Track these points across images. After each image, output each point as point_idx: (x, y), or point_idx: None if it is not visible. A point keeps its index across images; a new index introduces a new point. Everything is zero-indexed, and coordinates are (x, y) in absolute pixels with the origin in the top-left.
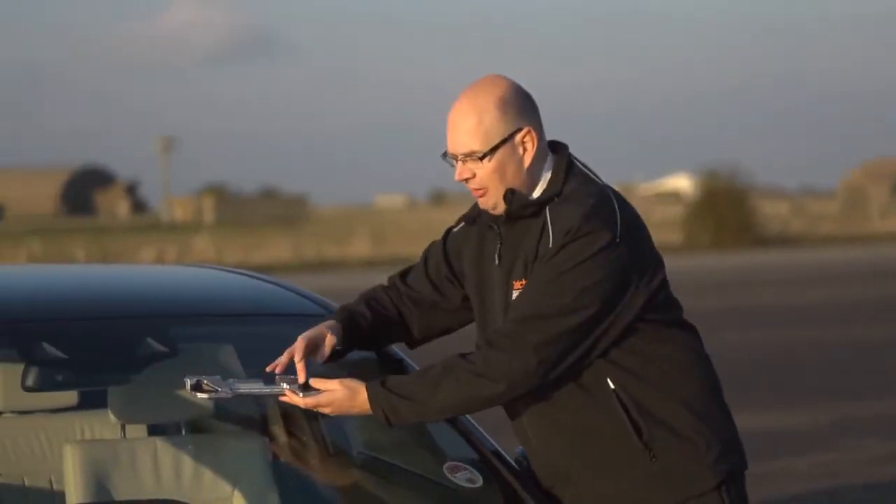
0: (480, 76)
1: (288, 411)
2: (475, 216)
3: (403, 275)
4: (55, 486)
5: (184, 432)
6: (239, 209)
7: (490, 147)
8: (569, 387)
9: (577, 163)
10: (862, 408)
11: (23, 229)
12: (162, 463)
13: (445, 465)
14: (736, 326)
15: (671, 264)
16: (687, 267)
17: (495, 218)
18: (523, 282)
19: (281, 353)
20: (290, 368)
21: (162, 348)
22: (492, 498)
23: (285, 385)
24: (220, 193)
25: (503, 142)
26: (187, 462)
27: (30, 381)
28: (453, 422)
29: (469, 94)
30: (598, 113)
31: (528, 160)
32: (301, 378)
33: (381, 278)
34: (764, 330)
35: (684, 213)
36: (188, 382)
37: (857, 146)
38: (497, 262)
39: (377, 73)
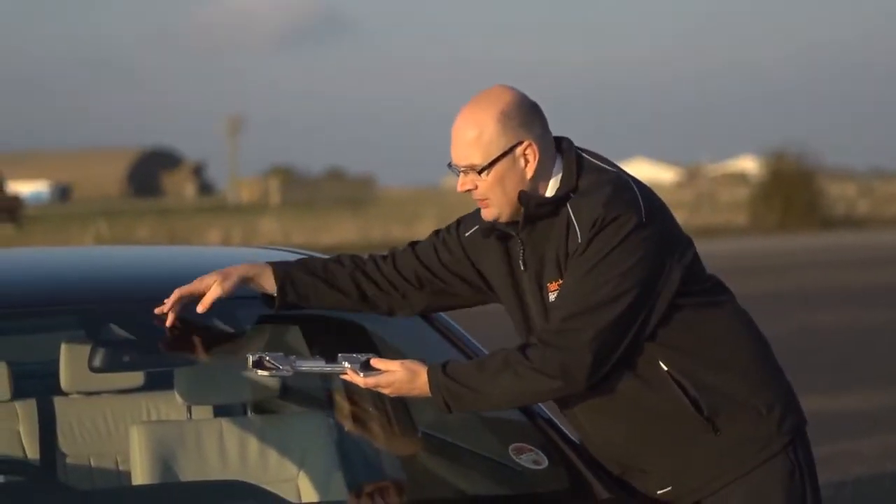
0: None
1: (353, 391)
2: (490, 227)
3: (395, 254)
4: (121, 467)
5: (249, 413)
6: (306, 190)
7: (489, 161)
8: (622, 375)
9: (586, 156)
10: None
11: (90, 211)
12: (227, 444)
13: (511, 447)
14: (803, 308)
15: (737, 246)
16: (753, 248)
17: (512, 225)
18: (559, 282)
19: (349, 340)
20: (352, 348)
21: (228, 329)
22: (557, 479)
23: (347, 364)
24: (286, 174)
25: (503, 155)
26: (253, 443)
27: (97, 362)
28: None
29: (471, 108)
30: (664, 93)
31: (529, 172)
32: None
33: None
34: (830, 311)
35: (750, 194)
36: (249, 359)
37: None
38: (523, 267)
39: (444, 54)
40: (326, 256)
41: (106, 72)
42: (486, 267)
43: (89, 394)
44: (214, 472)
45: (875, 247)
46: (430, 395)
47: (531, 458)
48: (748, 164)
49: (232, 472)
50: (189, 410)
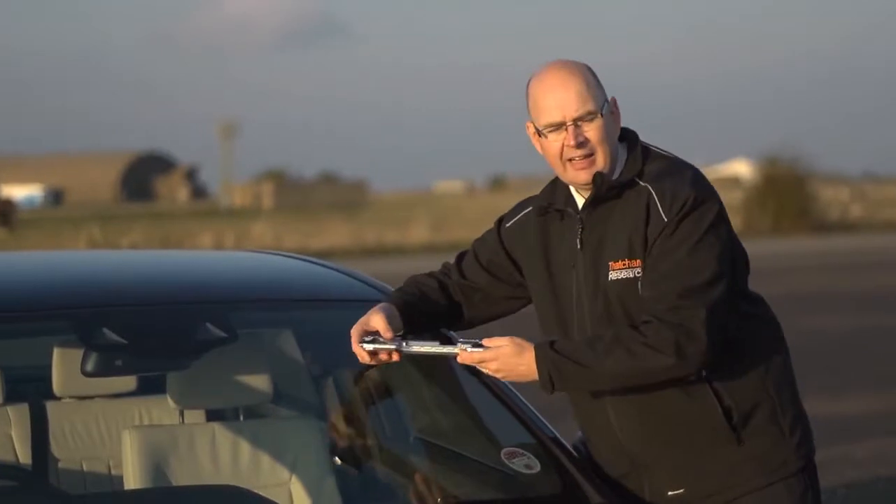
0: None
1: (345, 397)
2: (546, 205)
3: (458, 263)
4: (113, 471)
5: (242, 418)
6: (298, 195)
7: (601, 106)
8: None
9: (649, 145)
10: None
11: (83, 215)
12: (220, 448)
13: (503, 451)
14: (796, 311)
15: None
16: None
17: (569, 202)
18: (627, 261)
19: (340, 339)
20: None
21: (221, 334)
22: (549, 484)
23: (459, 344)
24: (279, 179)
25: (604, 103)
26: (245, 447)
27: (89, 367)
28: (511, 407)
29: (562, 64)
30: (657, 96)
31: (618, 129)
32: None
33: (441, 264)
34: (823, 315)
35: (744, 198)
36: (364, 338)
37: None
38: (580, 246)
39: (437, 60)
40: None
41: (101, 75)
42: (524, 252)
43: (82, 398)
44: (207, 476)
45: (868, 251)
46: (534, 373)
47: (523, 463)
48: (742, 168)
49: (224, 477)
50: (181, 415)
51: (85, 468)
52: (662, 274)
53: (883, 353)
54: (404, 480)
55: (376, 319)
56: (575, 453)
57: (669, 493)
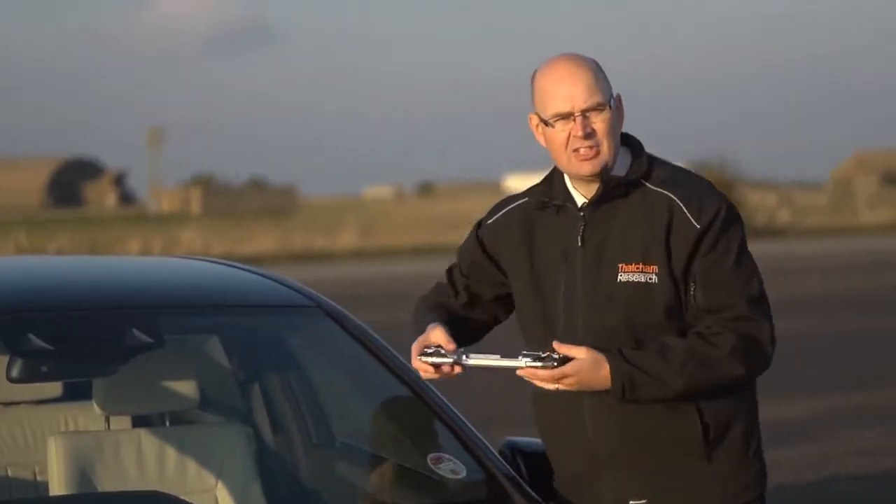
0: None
1: (271, 402)
2: (545, 200)
3: (450, 281)
4: (39, 478)
5: (168, 424)
6: (227, 200)
7: (608, 99)
8: None
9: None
10: (856, 398)
11: (9, 220)
12: (146, 454)
13: (429, 457)
14: None
15: None
16: None
17: (567, 198)
18: (641, 265)
19: (267, 344)
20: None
21: (147, 339)
22: (475, 489)
23: (525, 359)
24: (207, 184)
25: (611, 97)
26: (171, 453)
27: (15, 373)
28: (437, 412)
29: (572, 56)
30: None
31: (622, 125)
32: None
33: (369, 270)
34: None
35: None
36: (424, 350)
37: (848, 137)
38: (580, 243)
39: (367, 65)
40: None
41: (26, 78)
42: (507, 248)
43: (7, 404)
44: (133, 482)
45: (795, 256)
46: (607, 384)
47: (449, 468)
48: None
49: (150, 483)
50: (107, 421)
51: (10, 474)
52: (716, 284)
53: (813, 357)
54: (331, 485)
55: (437, 334)
56: (501, 459)
57: (632, 501)
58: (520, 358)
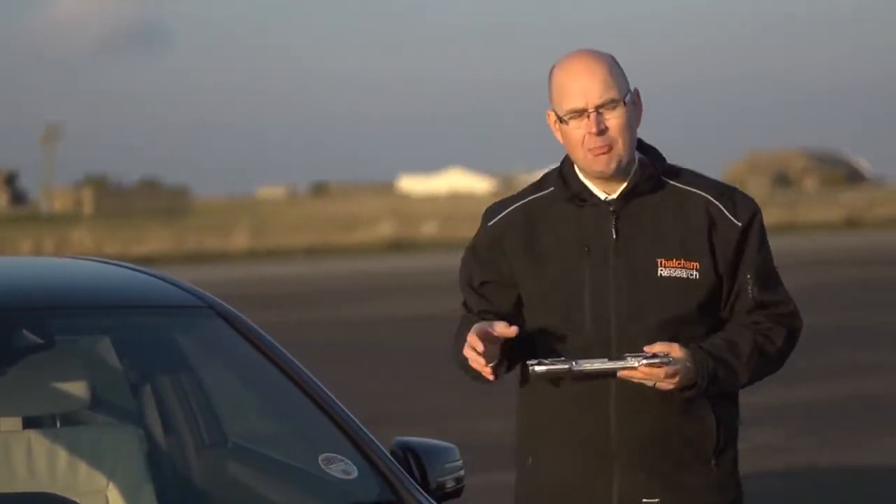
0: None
1: (163, 403)
2: (577, 192)
3: (470, 311)
4: None
5: (59, 425)
6: (119, 201)
7: (624, 95)
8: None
9: None
10: (764, 396)
11: None
12: (36, 456)
13: (321, 457)
14: None
15: None
16: None
17: (586, 192)
18: (683, 261)
19: (159, 345)
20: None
21: (38, 340)
22: (367, 489)
23: (631, 358)
24: (100, 185)
25: (627, 93)
26: (62, 454)
27: None
28: (329, 413)
29: (587, 52)
30: (479, 104)
31: (639, 120)
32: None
33: (262, 270)
34: None
35: None
36: (529, 363)
37: (740, 138)
38: (615, 236)
39: (260, 65)
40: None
41: None
42: (518, 245)
43: None
44: (22, 484)
45: None
46: (692, 378)
47: (341, 469)
48: None
49: (41, 485)
50: None
51: None
52: (767, 281)
53: None
54: (222, 486)
55: (497, 325)
56: (393, 458)
57: (645, 500)
58: (629, 359)
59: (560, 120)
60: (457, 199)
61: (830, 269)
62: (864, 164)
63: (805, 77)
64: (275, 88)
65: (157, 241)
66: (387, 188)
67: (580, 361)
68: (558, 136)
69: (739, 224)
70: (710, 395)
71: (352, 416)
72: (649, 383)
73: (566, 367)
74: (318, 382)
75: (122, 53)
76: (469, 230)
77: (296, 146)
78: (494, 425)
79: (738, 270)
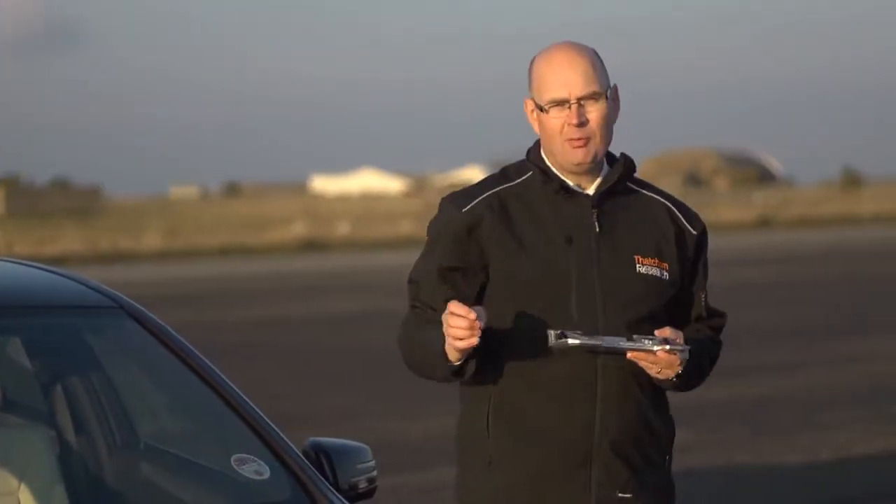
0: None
1: (74, 404)
2: (561, 183)
3: (423, 301)
4: None
5: None
6: (31, 201)
7: (605, 89)
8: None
9: None
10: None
11: None
12: None
13: (233, 458)
14: None
15: None
16: None
17: (563, 187)
18: (657, 261)
19: (70, 346)
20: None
21: None
22: (279, 489)
23: (650, 343)
24: (11, 185)
25: (608, 88)
26: None
27: None
28: (241, 413)
29: (571, 44)
30: (392, 104)
31: (617, 117)
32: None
33: (175, 270)
34: None
35: None
36: (551, 335)
37: (649, 137)
38: (598, 229)
39: (173, 64)
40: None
41: None
42: (496, 234)
43: None
44: None
45: None
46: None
47: (253, 469)
48: (475, 174)
49: None
50: None
51: None
52: (707, 286)
53: None
54: (135, 487)
55: (453, 304)
56: (305, 459)
57: (619, 494)
58: (645, 342)
59: (540, 109)
60: (369, 200)
61: (745, 269)
62: (775, 164)
63: (716, 76)
64: (186, 87)
65: (69, 240)
66: (300, 188)
67: (604, 338)
68: (535, 125)
69: (696, 233)
70: (663, 395)
71: (264, 416)
72: (655, 369)
73: (598, 341)
74: (230, 383)
75: (32, 51)
76: (382, 230)
77: (208, 145)
78: (407, 426)
79: (694, 278)
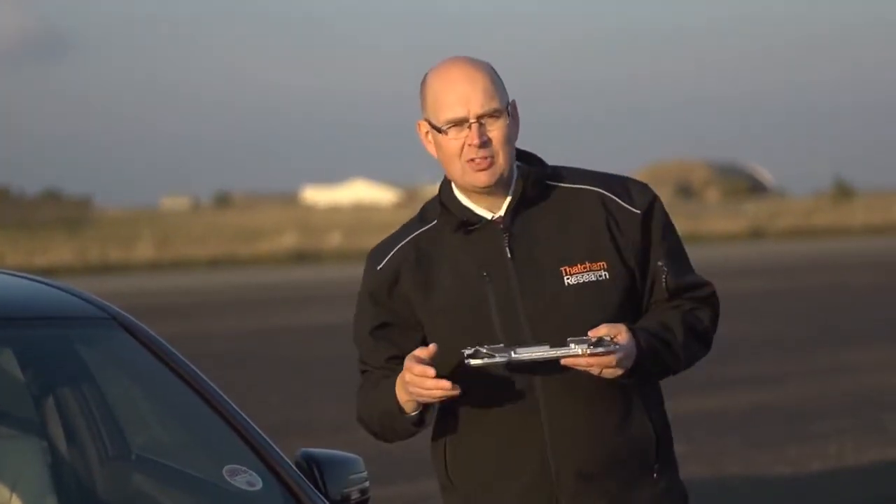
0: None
1: (66, 415)
2: (464, 220)
3: (372, 366)
4: None
5: None
6: (21, 212)
7: (505, 105)
8: (615, 388)
9: None
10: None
11: None
12: None
13: (225, 469)
14: None
15: None
16: None
17: (467, 213)
18: (588, 264)
19: (62, 357)
20: (577, 331)
21: None
22: (271, 500)
23: (575, 346)
24: (1, 195)
25: (507, 105)
26: None
27: None
28: (233, 424)
29: (466, 60)
30: (383, 115)
31: (517, 133)
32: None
33: (166, 281)
34: None
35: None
36: (464, 353)
37: (640, 148)
38: (510, 255)
39: (164, 75)
40: None
41: None
42: (413, 285)
43: None
44: None
45: None
46: (631, 362)
47: (245, 480)
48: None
49: None
50: None
51: None
52: (680, 264)
53: None
54: (126, 498)
55: (417, 351)
56: (297, 470)
57: None
58: (572, 346)
59: (437, 130)
60: (361, 211)
61: (735, 280)
62: (766, 175)
63: (707, 88)
64: (178, 99)
65: (59, 251)
66: (291, 199)
67: (519, 350)
68: (430, 148)
69: (638, 212)
70: (645, 400)
71: (256, 427)
72: (595, 371)
73: (504, 357)
74: (222, 393)
75: (23, 61)
76: (373, 241)
77: (200, 157)
78: None
79: (649, 260)
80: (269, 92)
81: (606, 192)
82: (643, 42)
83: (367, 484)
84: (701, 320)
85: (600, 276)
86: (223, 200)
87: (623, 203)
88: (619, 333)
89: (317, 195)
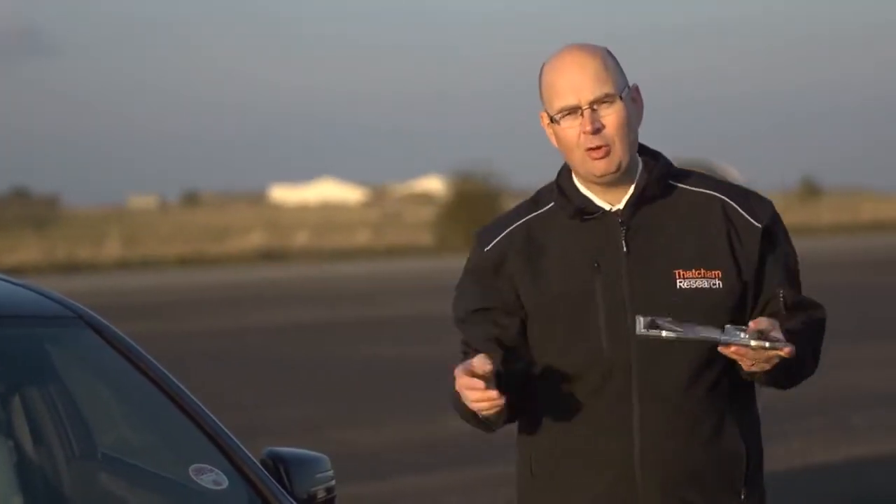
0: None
1: (32, 414)
2: (582, 208)
3: (472, 348)
4: None
5: None
6: None
7: (620, 90)
8: (725, 402)
9: None
10: None
11: None
12: None
13: (191, 468)
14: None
15: (422, 266)
16: (438, 268)
17: (587, 203)
18: (703, 270)
19: (28, 356)
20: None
21: None
22: (237, 499)
23: (746, 337)
24: None
25: (625, 88)
26: None
27: None
28: (199, 423)
29: (579, 46)
30: (351, 114)
31: (640, 119)
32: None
33: (134, 280)
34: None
35: (436, 214)
36: (640, 321)
37: None
38: (625, 250)
39: (129, 73)
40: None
41: None
42: (520, 269)
43: None
44: None
45: None
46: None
47: (211, 479)
48: (434, 185)
49: None
50: None
51: None
52: (794, 282)
53: None
54: (93, 497)
55: (473, 361)
56: (263, 468)
57: None
58: (741, 335)
59: (552, 120)
60: (328, 210)
61: None
62: (733, 172)
63: (675, 87)
64: (144, 96)
65: (26, 250)
66: (258, 198)
67: (699, 329)
68: (552, 139)
69: (759, 225)
70: (738, 418)
71: (222, 426)
72: (746, 364)
73: (675, 334)
74: (189, 393)
75: None
76: (341, 240)
77: (167, 155)
78: (366, 435)
79: (765, 275)
80: (238, 90)
81: (729, 201)
82: (612, 43)
83: (333, 483)
84: (819, 340)
85: (714, 284)
86: (191, 199)
87: (745, 214)
88: (774, 329)
89: (284, 194)
